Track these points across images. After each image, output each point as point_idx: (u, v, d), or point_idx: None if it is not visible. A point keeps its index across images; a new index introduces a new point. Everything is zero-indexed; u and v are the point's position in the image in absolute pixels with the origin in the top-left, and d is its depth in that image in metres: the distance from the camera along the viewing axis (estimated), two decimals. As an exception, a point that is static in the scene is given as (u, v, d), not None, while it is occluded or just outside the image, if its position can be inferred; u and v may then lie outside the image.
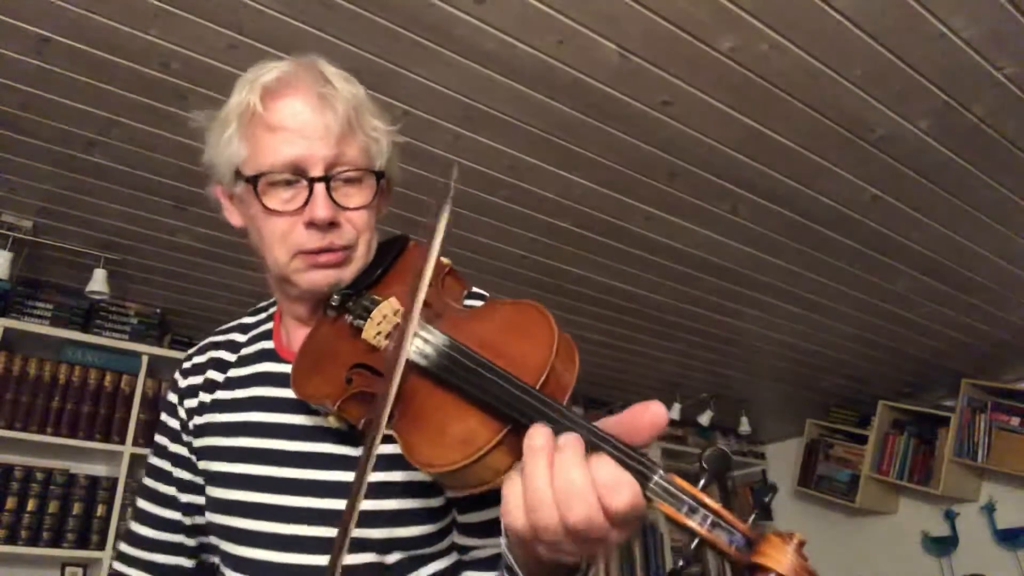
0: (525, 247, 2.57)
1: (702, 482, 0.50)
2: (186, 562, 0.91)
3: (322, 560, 0.73)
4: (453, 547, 0.79)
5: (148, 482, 0.92)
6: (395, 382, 0.61)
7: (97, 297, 2.63)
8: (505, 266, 2.69)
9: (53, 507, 2.59)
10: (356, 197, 0.78)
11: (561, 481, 0.50)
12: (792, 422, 4.47)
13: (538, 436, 0.52)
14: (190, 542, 0.91)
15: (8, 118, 1.91)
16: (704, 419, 4.14)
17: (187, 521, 0.90)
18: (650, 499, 0.49)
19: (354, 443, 0.76)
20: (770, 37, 1.67)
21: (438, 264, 0.75)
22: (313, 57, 0.82)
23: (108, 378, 2.79)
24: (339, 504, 0.74)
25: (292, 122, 0.76)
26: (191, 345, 3.18)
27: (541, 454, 0.51)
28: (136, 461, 2.80)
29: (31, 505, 2.56)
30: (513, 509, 0.52)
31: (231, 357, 0.91)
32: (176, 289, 2.87)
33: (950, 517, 3.85)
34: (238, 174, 0.79)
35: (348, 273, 0.79)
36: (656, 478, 0.49)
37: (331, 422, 0.72)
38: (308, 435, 0.79)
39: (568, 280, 2.80)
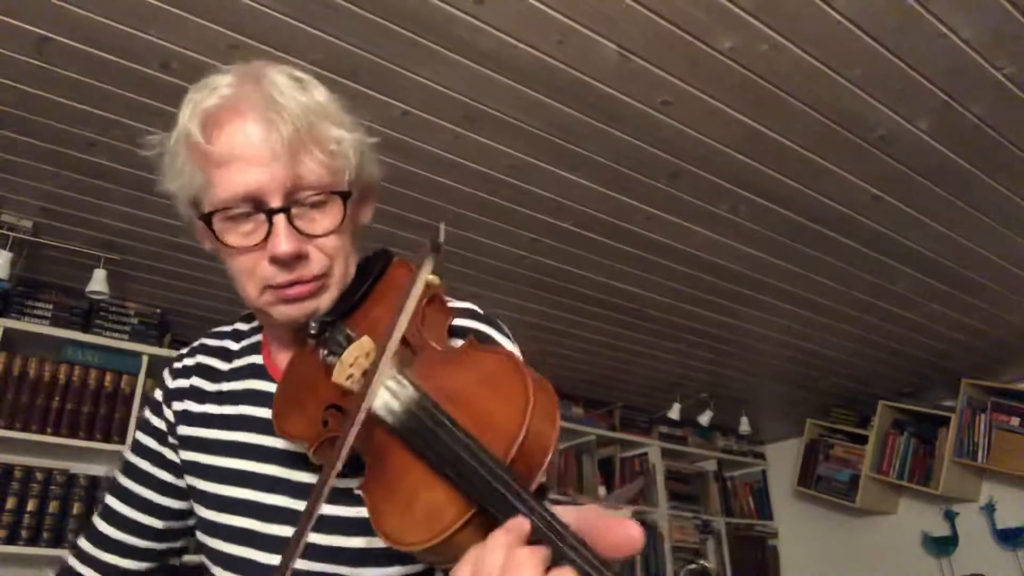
0: (525, 247, 2.57)
1: None
2: (136, 565, 0.87)
3: None
4: None
5: (122, 480, 0.88)
6: (347, 445, 0.57)
7: (97, 297, 2.62)
8: (505, 266, 2.69)
9: (53, 507, 2.59)
10: (322, 222, 0.71)
11: (511, 571, 0.46)
12: (792, 422, 4.47)
13: (515, 525, 0.49)
14: (159, 546, 0.87)
15: (8, 118, 1.91)
16: (704, 419, 4.14)
17: (159, 525, 0.86)
18: None
19: (337, 475, 0.75)
20: (770, 37, 1.67)
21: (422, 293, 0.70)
22: (261, 66, 0.73)
23: (108, 378, 2.79)
24: (318, 538, 0.72)
25: (240, 150, 0.68)
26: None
27: (509, 537, 0.49)
28: (136, 461, 2.80)
29: (31, 505, 2.56)
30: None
31: (224, 367, 0.86)
32: (176, 289, 2.87)
33: (950, 517, 3.85)
34: (195, 206, 0.73)
35: (325, 301, 0.72)
36: None
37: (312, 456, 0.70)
38: (292, 462, 0.76)
39: (568, 280, 2.80)
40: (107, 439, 2.73)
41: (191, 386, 0.86)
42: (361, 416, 0.57)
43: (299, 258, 0.69)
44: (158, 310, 2.99)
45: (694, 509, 4.34)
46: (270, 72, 0.72)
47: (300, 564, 0.71)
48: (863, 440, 4.09)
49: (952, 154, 2.10)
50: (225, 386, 0.84)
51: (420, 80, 1.80)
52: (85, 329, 2.81)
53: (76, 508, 2.63)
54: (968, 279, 2.82)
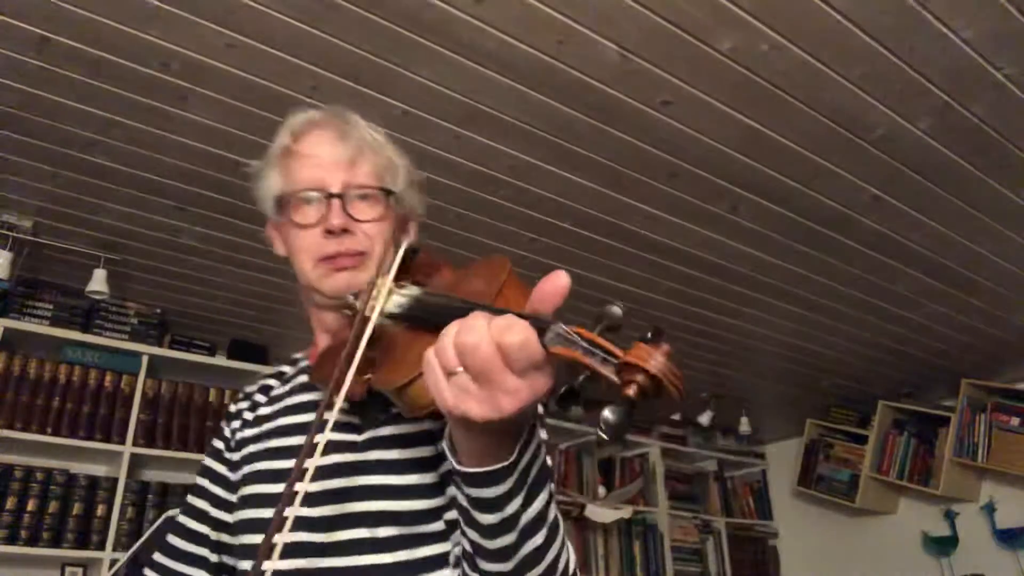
0: (525, 247, 2.57)
1: (597, 329, 0.55)
2: None
3: (327, 537, 0.80)
4: (451, 530, 0.80)
5: (189, 498, 1.00)
6: (375, 312, 0.72)
7: (97, 297, 2.63)
8: (505, 266, 2.69)
9: (53, 507, 2.59)
10: (368, 211, 0.90)
11: (462, 324, 0.57)
12: (792, 422, 4.47)
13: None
14: (212, 557, 0.96)
15: (8, 118, 1.91)
16: (704, 419, 4.14)
17: (212, 536, 0.96)
18: (546, 346, 0.54)
19: (359, 431, 0.84)
20: (770, 37, 1.67)
21: (432, 260, 0.86)
22: (343, 108, 0.97)
23: (108, 378, 2.79)
24: (338, 482, 0.81)
25: (315, 151, 0.91)
26: (191, 345, 3.22)
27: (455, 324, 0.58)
28: (136, 461, 2.80)
29: (31, 505, 2.56)
30: (427, 361, 0.58)
31: (277, 383, 1.02)
32: (176, 289, 2.87)
33: (950, 517, 3.85)
34: (275, 201, 0.93)
35: (363, 277, 0.86)
36: (553, 328, 0.55)
37: (340, 404, 0.77)
38: (321, 429, 0.83)
39: (568, 280, 2.79)
40: (107, 439, 2.73)
41: (251, 403, 1.01)
42: (382, 297, 0.73)
43: (346, 232, 0.88)
44: (158, 310, 2.99)
45: (694, 509, 4.34)
46: (349, 111, 0.96)
47: (332, 511, 0.81)
48: (863, 440, 4.09)
49: (952, 154, 2.10)
50: (276, 391, 1.00)
51: (420, 80, 1.80)
52: (85, 329, 2.82)
53: (76, 508, 2.63)
54: (968, 279, 2.82)
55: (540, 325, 0.55)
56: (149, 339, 2.95)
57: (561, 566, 0.69)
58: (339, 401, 0.70)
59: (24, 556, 2.51)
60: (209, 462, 1.00)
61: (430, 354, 0.58)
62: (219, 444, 1.00)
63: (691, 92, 1.84)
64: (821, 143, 2.05)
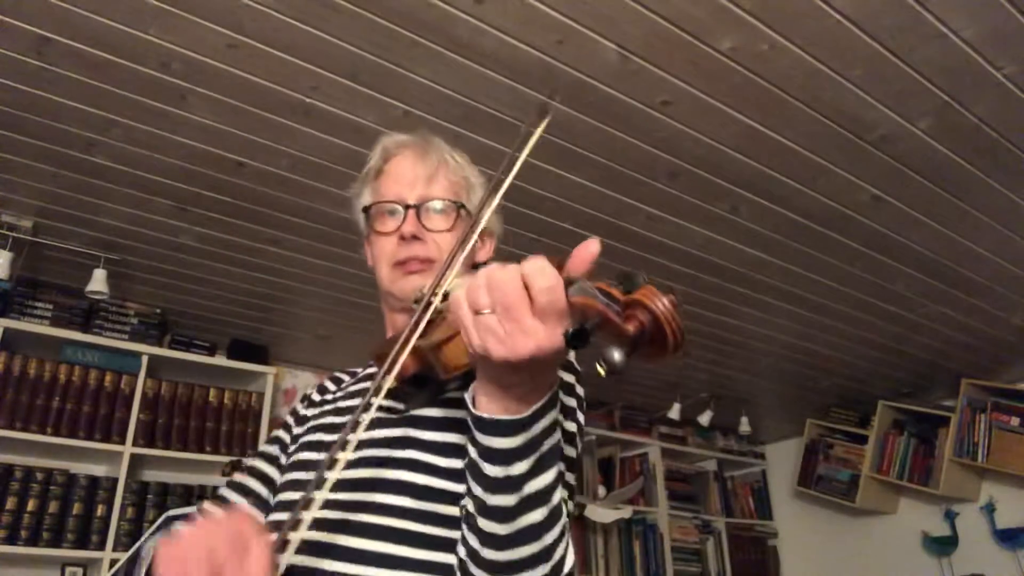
0: (525, 247, 2.57)
1: (618, 287, 0.60)
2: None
3: (361, 496, 0.86)
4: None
5: (252, 460, 1.08)
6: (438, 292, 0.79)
7: (97, 297, 2.62)
8: (505, 266, 2.69)
9: (53, 507, 2.59)
10: (439, 223, 1.00)
11: (497, 265, 0.62)
12: (792, 422, 4.47)
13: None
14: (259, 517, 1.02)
15: (8, 118, 1.91)
16: (704, 419, 4.14)
17: (264, 493, 1.03)
18: (569, 296, 0.59)
19: (402, 413, 0.91)
20: (770, 37, 1.67)
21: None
22: (428, 132, 1.09)
23: (108, 378, 2.79)
24: (371, 453, 0.87)
25: (399, 170, 1.03)
26: (191, 345, 3.21)
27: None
28: (136, 461, 2.81)
29: (31, 505, 2.56)
30: (457, 300, 0.65)
31: (347, 378, 1.10)
32: (176, 289, 2.87)
33: (950, 517, 3.85)
34: (364, 213, 1.05)
35: (431, 282, 0.95)
36: (578, 283, 0.61)
37: (388, 381, 0.81)
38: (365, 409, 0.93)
39: (568, 280, 2.79)
40: (107, 439, 2.73)
41: (321, 388, 1.12)
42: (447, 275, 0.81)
43: (416, 239, 0.97)
44: (158, 310, 2.99)
45: (694, 509, 4.34)
46: (432, 135, 1.08)
47: (362, 473, 0.86)
48: (863, 440, 4.09)
49: (952, 154, 2.10)
50: (345, 383, 1.09)
51: (420, 80, 1.80)
52: (85, 329, 2.82)
53: (76, 508, 2.63)
54: (968, 279, 2.82)
55: (568, 281, 0.60)
56: (149, 339, 2.95)
57: (557, 555, 0.71)
58: (398, 365, 0.76)
59: (24, 556, 2.52)
60: (277, 431, 1.10)
61: (460, 293, 0.63)
62: (289, 419, 1.10)
63: (691, 92, 1.84)
64: (821, 143, 2.05)
